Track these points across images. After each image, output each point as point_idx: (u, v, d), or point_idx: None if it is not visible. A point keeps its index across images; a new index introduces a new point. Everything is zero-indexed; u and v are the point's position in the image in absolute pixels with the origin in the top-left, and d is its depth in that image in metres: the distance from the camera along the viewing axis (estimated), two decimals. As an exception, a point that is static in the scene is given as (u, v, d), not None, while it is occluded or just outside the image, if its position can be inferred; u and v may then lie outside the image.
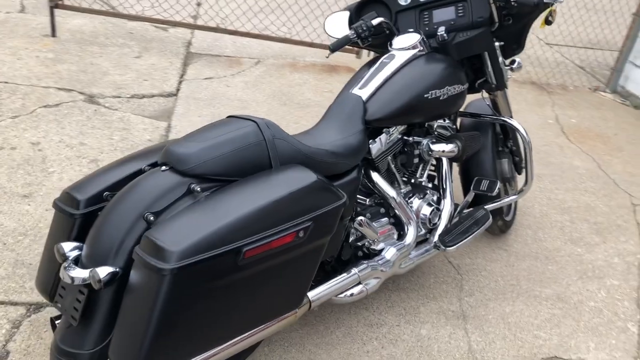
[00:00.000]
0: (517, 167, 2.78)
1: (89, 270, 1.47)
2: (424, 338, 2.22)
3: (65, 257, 1.55)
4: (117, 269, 1.48)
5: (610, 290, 2.62)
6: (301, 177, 1.64)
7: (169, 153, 1.64)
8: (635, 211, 3.28)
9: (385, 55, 2.21)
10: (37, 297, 2.13)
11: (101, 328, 1.50)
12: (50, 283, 1.69)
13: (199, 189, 1.58)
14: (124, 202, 1.57)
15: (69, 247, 1.57)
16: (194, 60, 4.45)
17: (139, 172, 1.70)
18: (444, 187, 2.33)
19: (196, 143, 1.64)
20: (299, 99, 4.05)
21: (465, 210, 2.46)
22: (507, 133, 2.69)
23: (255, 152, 1.68)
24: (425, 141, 2.22)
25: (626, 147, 4.11)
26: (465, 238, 2.27)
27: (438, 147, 2.21)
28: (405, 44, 2.20)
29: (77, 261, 1.54)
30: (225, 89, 4.05)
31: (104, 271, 1.45)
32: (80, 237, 1.63)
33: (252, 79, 4.27)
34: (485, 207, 2.45)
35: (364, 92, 2.08)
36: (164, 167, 1.63)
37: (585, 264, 2.78)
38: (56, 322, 1.66)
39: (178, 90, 3.92)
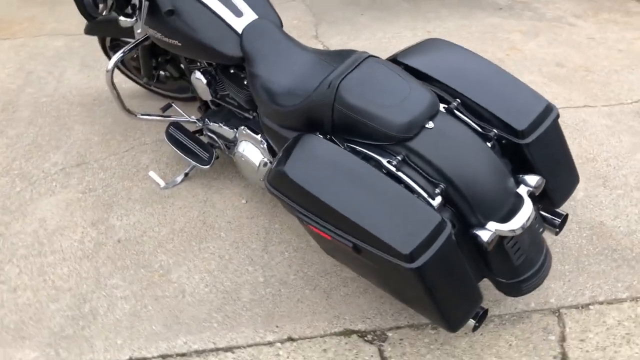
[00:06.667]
0: None
1: (528, 201, 1.65)
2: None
3: (510, 234, 1.61)
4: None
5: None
6: None
7: (419, 116, 1.62)
8: None
9: None
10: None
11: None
12: (478, 299, 1.66)
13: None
14: (484, 170, 1.65)
15: (491, 231, 1.60)
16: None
17: (394, 179, 1.64)
18: None
19: (413, 93, 1.69)
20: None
21: None
22: None
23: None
24: None
25: None
26: None
27: None
28: None
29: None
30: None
31: (533, 179, 1.71)
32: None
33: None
34: None
35: (250, 16, 2.17)
36: (430, 124, 1.63)
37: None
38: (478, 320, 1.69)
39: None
